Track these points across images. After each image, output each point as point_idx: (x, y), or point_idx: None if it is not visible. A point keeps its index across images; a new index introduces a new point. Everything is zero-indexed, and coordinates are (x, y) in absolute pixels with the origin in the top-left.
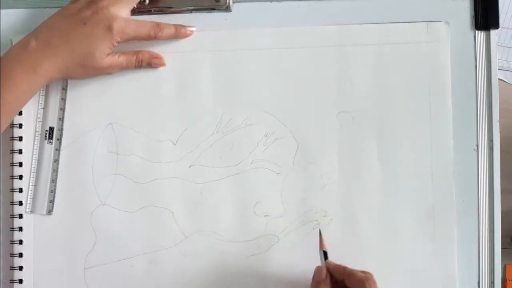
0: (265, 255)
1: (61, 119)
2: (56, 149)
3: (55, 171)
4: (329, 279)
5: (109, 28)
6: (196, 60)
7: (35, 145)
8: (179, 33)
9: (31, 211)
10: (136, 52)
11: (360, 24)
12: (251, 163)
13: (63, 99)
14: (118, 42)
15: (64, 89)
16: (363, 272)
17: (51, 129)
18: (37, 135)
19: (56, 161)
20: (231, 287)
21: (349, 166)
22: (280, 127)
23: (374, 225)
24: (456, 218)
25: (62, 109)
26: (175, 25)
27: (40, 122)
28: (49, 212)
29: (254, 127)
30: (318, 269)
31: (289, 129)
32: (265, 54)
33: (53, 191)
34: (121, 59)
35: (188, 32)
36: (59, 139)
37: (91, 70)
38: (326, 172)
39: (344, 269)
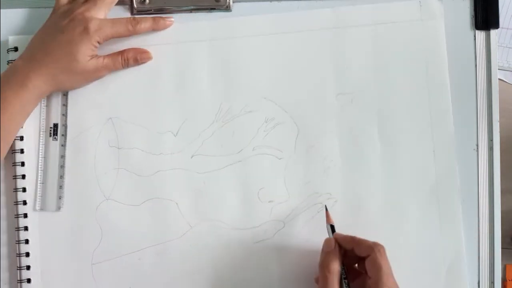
0: (272, 241)
1: (64, 115)
2: (62, 145)
3: (62, 167)
4: (338, 249)
5: (85, 30)
6: (193, 50)
7: (41, 143)
8: (157, 24)
9: (41, 209)
10: (121, 52)
11: (354, 5)
12: (253, 150)
13: (65, 95)
14: (98, 42)
15: None
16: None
17: (55, 125)
18: (41, 132)
19: (63, 156)
20: (238, 274)
21: (350, 148)
22: (279, 112)
23: (379, 205)
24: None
25: (65, 104)
26: (153, 17)
27: (44, 120)
28: (59, 208)
29: (254, 113)
30: (327, 241)
31: (289, 114)
32: (261, 40)
33: (61, 187)
34: (106, 61)
35: (167, 22)
36: (64, 135)
37: (78, 76)
38: (328, 155)
39: (352, 238)
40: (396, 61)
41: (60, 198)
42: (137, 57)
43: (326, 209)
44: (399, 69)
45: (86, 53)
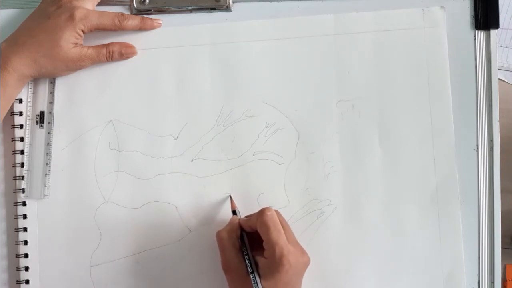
0: None
1: (51, 103)
2: (48, 133)
3: (48, 154)
4: (238, 227)
5: (71, 17)
6: (194, 54)
7: (27, 130)
8: (145, 24)
9: (27, 196)
10: (106, 44)
11: (357, 12)
12: (253, 155)
13: (52, 83)
14: (83, 31)
15: None
16: None
17: (42, 113)
18: (28, 120)
19: (49, 144)
20: None
21: (351, 154)
22: (280, 117)
23: (378, 211)
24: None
25: (52, 92)
26: (141, 17)
27: (31, 108)
28: (44, 195)
29: (255, 118)
30: (232, 218)
31: (289, 120)
32: (263, 45)
33: (47, 175)
34: (90, 51)
35: (155, 24)
36: (51, 123)
37: (60, 62)
38: (328, 161)
39: (246, 219)
40: (397, 68)
41: (45, 186)
42: (122, 51)
43: (231, 198)
44: (401, 76)
45: (70, 40)
